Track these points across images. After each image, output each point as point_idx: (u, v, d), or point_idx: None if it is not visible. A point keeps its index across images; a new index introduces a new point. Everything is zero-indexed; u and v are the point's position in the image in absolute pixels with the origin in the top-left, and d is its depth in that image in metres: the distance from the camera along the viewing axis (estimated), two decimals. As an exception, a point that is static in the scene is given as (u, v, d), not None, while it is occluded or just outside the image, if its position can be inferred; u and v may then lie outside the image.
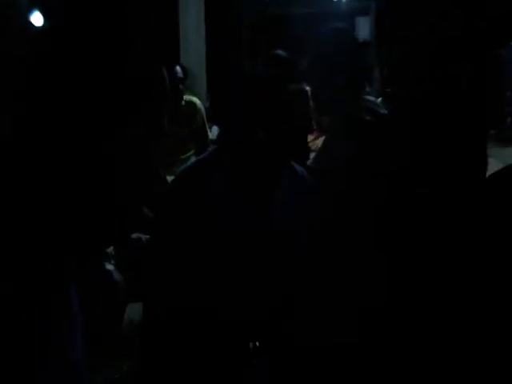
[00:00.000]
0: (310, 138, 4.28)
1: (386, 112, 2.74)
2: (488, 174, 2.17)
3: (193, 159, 4.65)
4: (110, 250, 2.63)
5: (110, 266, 2.53)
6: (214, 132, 5.31)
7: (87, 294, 1.80)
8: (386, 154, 2.45)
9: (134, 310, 2.54)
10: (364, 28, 15.09)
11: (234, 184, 2.05)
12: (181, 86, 4.91)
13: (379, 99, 3.72)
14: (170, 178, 3.72)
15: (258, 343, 1.75)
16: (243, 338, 1.77)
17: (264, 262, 2.04)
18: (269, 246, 2.05)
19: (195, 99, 5.10)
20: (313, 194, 2.18)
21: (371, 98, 2.97)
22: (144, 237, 2.98)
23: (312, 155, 3.35)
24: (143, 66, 1.11)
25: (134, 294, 2.55)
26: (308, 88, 3.35)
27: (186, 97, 4.98)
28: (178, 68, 4.88)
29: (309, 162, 2.91)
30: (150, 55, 1.12)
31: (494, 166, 2.23)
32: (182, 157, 4.75)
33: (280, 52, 3.89)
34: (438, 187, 2.12)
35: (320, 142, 3.38)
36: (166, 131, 1.15)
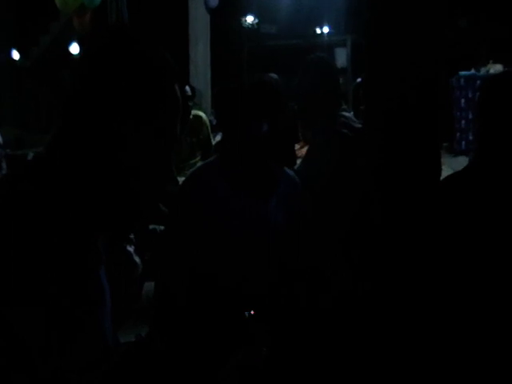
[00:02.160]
0: (296, 147, 4.30)
1: (359, 126, 2.75)
2: (442, 177, 2.17)
3: (200, 164, 4.72)
4: (130, 235, 2.63)
5: (130, 249, 2.53)
6: (217, 139, 5.38)
7: (112, 272, 1.79)
8: (360, 160, 2.46)
9: (150, 288, 2.54)
10: (341, 57, 15.15)
11: (234, 184, 2.04)
12: (190, 103, 5.02)
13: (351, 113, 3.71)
14: (180, 179, 3.74)
15: (253, 312, 1.74)
16: (240, 307, 1.76)
17: (261, 250, 2.03)
18: (266, 238, 2.04)
19: (201, 113, 5.20)
20: (303, 196, 2.16)
21: (347, 113, 2.98)
22: (158, 228, 2.99)
23: (298, 161, 3.37)
24: (161, 84, 1.10)
25: (150, 274, 2.55)
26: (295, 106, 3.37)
27: (194, 111, 5.07)
28: (187, 87, 4.99)
29: (295, 167, 2.91)
30: (166, 76, 1.11)
31: (445, 171, 2.26)
32: (191, 162, 4.83)
33: (272, 75, 3.89)
34: (402, 187, 2.12)
35: (305, 150, 3.39)
36: (178, 139, 1.15)
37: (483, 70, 9.81)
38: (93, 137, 1.04)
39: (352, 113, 3.96)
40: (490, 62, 9.90)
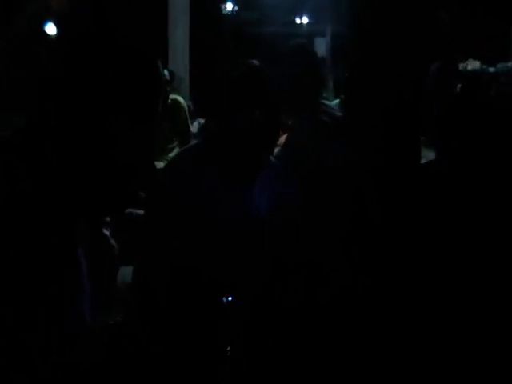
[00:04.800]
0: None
1: (340, 114, 2.76)
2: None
3: (177, 149, 4.70)
4: (107, 219, 2.60)
5: (106, 232, 2.51)
6: (195, 126, 5.35)
7: (88, 256, 1.77)
8: (341, 148, 2.46)
9: (125, 272, 2.52)
10: (321, 47, 15.15)
11: (220, 171, 2.01)
12: (168, 87, 5.01)
13: (333, 102, 3.72)
14: (157, 164, 3.72)
15: (230, 298, 1.73)
16: (219, 294, 1.75)
17: (243, 237, 2.01)
18: (248, 226, 2.02)
19: (179, 98, 5.20)
20: (284, 183, 2.15)
21: (327, 102, 2.98)
22: (135, 211, 2.96)
23: (276, 150, 3.36)
24: (146, 68, 1.09)
25: (126, 258, 2.52)
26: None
27: (172, 96, 5.06)
28: (166, 72, 4.97)
29: (274, 155, 2.90)
30: (147, 55, 1.10)
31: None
32: (169, 146, 4.81)
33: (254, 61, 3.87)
34: (400, 185, 2.12)
35: (283, 138, 3.38)
36: (159, 120, 1.13)
37: (461, 66, 9.87)
38: (75, 124, 1.02)
39: (337, 101, 3.97)
40: (470, 59, 9.98)
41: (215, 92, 2.04)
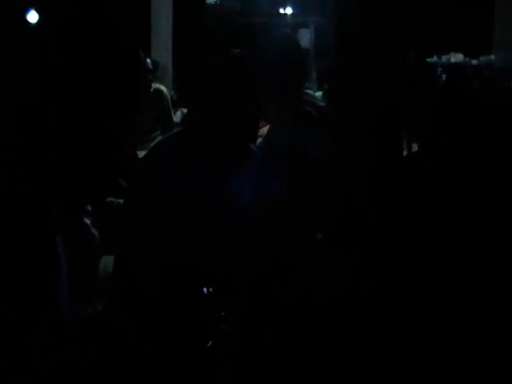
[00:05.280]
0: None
1: (323, 104, 2.75)
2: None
3: (159, 138, 4.68)
4: (88, 207, 2.58)
5: (87, 221, 2.48)
6: (177, 116, 5.34)
7: (69, 244, 1.75)
8: (323, 138, 2.46)
9: (107, 261, 2.50)
10: (304, 38, 15.13)
11: (201, 160, 1.99)
12: (150, 76, 5.00)
13: (317, 93, 3.72)
14: (140, 153, 3.69)
15: (211, 288, 1.73)
16: (200, 284, 1.75)
17: (224, 225, 1.99)
18: (230, 214, 2.00)
19: (162, 87, 5.21)
20: (270, 174, 2.14)
21: (310, 91, 2.98)
22: (116, 200, 2.94)
23: (259, 141, 3.35)
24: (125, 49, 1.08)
25: (108, 247, 2.51)
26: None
27: (154, 84, 5.07)
28: (148, 60, 4.96)
29: (257, 146, 2.89)
30: (130, 44, 1.09)
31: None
32: (151, 135, 4.78)
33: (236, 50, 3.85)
34: (365, 163, 2.12)
35: (265, 129, 3.37)
36: (141, 106, 1.12)
37: (444, 58, 9.91)
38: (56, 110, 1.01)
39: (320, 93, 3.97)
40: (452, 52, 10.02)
41: (205, 84, 2.01)
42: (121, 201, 2.76)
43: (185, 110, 6.28)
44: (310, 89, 3.06)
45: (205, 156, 1.98)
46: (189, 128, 2.09)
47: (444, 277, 1.93)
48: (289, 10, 16.19)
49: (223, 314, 1.73)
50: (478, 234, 1.95)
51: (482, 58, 9.23)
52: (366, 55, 2.19)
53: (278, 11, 16.15)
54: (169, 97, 5.20)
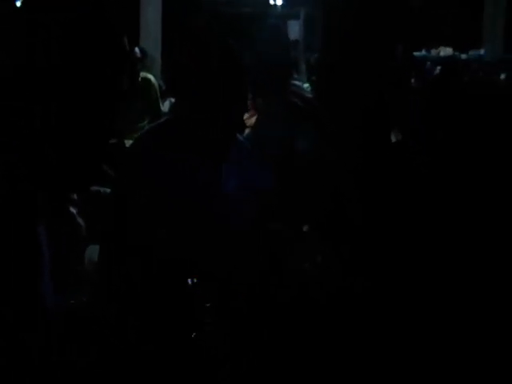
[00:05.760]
0: (246, 116, 4.26)
1: (310, 95, 2.76)
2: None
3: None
4: (74, 196, 2.56)
5: (73, 210, 2.46)
6: (166, 105, 5.30)
7: (54, 234, 1.74)
8: (310, 131, 2.46)
9: (93, 251, 2.49)
10: (294, 30, 15.09)
11: (187, 150, 1.97)
12: (139, 65, 4.96)
13: (305, 85, 3.72)
14: (127, 143, 3.67)
15: (195, 280, 1.72)
16: (184, 275, 1.74)
17: (209, 216, 1.98)
18: (215, 205, 1.99)
19: (150, 76, 5.17)
20: (258, 166, 2.12)
21: (298, 82, 2.99)
22: (103, 189, 2.93)
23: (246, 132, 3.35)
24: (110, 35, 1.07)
25: (93, 237, 2.49)
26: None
27: (143, 74, 5.02)
28: (136, 49, 4.94)
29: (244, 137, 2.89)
30: (115, 29, 1.08)
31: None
32: (139, 125, 4.74)
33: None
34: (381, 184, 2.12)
35: (253, 120, 3.37)
36: (125, 92, 1.11)
37: (434, 52, 9.92)
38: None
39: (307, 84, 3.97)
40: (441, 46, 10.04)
41: (204, 84, 1.95)
42: (107, 190, 2.75)
43: (173, 100, 6.25)
44: (299, 81, 3.06)
45: (192, 147, 1.96)
46: (177, 119, 2.07)
47: (435, 270, 1.94)
48: (279, 1, 16.11)
49: (208, 305, 1.73)
50: (469, 228, 1.95)
51: (471, 52, 9.25)
52: (354, 49, 2.19)
53: (268, 2, 16.07)
54: (157, 86, 5.16)
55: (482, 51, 9.23)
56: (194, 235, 1.92)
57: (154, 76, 5.54)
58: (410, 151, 2.20)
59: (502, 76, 5.93)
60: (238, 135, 2.16)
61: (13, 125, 1.02)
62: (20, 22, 1.03)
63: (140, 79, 4.90)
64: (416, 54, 9.64)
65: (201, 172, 1.98)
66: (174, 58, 1.98)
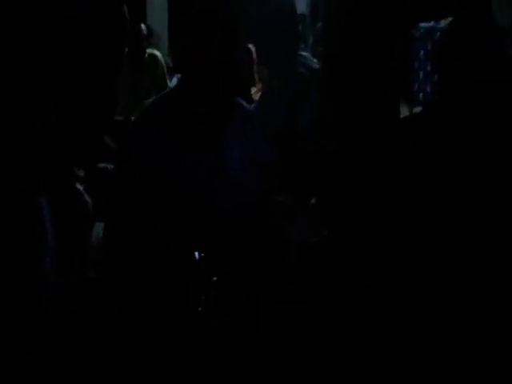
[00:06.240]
0: (253, 90, 4.24)
1: (317, 66, 2.72)
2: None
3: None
4: (80, 173, 2.54)
5: (80, 187, 2.45)
6: (173, 82, 5.27)
7: (59, 210, 1.72)
8: (317, 101, 2.42)
9: (100, 228, 2.48)
10: (301, 3, 14.90)
11: (188, 122, 1.94)
12: (145, 42, 4.95)
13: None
14: (134, 119, 3.65)
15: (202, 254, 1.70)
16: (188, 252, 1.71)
17: (213, 196, 1.94)
18: (220, 182, 1.95)
19: (157, 52, 5.16)
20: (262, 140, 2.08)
21: (305, 53, 2.95)
22: (110, 166, 2.90)
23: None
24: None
25: (101, 214, 2.48)
26: (252, 46, 3.29)
27: (149, 50, 4.99)
28: (143, 26, 4.91)
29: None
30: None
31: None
32: (146, 102, 4.71)
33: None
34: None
35: (259, 94, 3.34)
36: (124, 63, 1.09)
37: (443, 23, 9.81)
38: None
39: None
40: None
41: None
42: (112, 166, 2.73)
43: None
44: (305, 50, 3.02)
45: (196, 115, 1.92)
46: (180, 88, 2.02)
47: (435, 266, 1.92)
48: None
49: (203, 298, 1.70)
50: (472, 224, 1.93)
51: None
52: (355, 40, 2.16)
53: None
54: (163, 62, 5.14)
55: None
56: (196, 214, 1.87)
57: (162, 53, 5.52)
58: (410, 139, 2.17)
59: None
60: (244, 104, 2.13)
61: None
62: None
63: (147, 55, 4.89)
64: (425, 24, 9.53)
65: (206, 143, 1.94)
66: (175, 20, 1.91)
